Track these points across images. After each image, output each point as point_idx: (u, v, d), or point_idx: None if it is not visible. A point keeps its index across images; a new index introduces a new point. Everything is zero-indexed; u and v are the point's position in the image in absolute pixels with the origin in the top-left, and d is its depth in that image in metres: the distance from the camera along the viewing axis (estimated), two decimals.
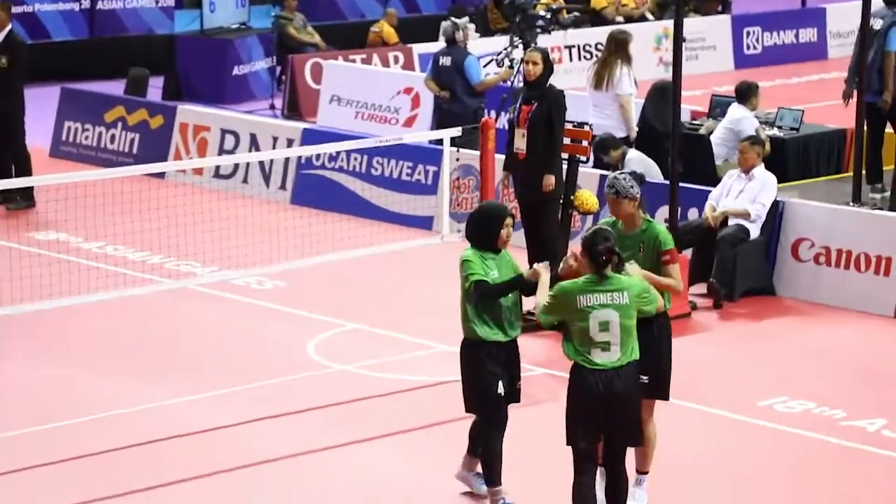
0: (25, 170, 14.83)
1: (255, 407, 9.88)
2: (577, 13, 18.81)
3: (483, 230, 8.10)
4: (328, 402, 10.01)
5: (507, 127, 12.18)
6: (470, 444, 8.45)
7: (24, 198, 14.94)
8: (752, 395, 10.39)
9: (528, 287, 8.02)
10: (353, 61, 19.80)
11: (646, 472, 8.33)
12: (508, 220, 8.10)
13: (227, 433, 9.49)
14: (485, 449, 8.25)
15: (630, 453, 8.10)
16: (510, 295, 8.10)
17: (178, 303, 11.93)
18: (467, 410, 8.31)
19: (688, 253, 12.42)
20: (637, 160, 13.94)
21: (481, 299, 7.98)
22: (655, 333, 7.98)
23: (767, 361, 11.29)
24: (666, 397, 8.25)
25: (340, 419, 9.75)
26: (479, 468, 8.41)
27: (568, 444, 7.66)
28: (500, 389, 8.07)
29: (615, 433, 7.60)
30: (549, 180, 11.59)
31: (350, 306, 12.08)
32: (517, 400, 8.28)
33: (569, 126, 11.95)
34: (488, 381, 8.06)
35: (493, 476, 8.21)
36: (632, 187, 8.06)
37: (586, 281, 7.53)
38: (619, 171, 8.19)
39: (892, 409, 10.17)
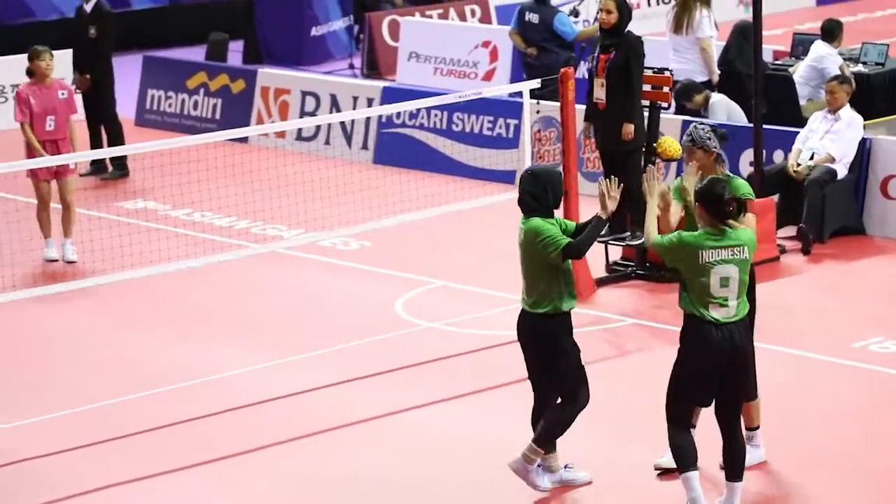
0: (118, 139, 14.94)
1: (348, 368, 9.90)
2: None
3: (549, 195, 7.78)
4: (418, 361, 10.01)
5: (586, 77, 12.09)
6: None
7: (118, 167, 15.04)
8: (846, 336, 10.24)
9: (605, 224, 7.77)
10: (430, 17, 19.71)
11: (756, 427, 8.15)
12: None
13: (319, 395, 9.52)
14: (563, 419, 7.79)
15: None
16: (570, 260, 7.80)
17: (266, 267, 11.98)
18: (555, 390, 7.81)
19: (775, 197, 12.27)
20: (721, 104, 13.76)
21: (575, 258, 7.72)
22: None
23: (860, 302, 11.12)
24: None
25: (430, 377, 9.75)
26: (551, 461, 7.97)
27: (679, 399, 7.45)
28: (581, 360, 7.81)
29: (733, 389, 7.43)
30: (629, 129, 11.46)
31: (436, 263, 12.07)
32: None
33: (649, 72, 11.83)
34: (577, 353, 7.81)
35: (551, 442, 7.88)
36: (709, 139, 7.92)
37: (706, 234, 7.34)
38: (702, 123, 7.97)
39: None
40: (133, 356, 10.34)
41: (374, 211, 12.63)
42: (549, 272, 7.76)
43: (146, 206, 13.98)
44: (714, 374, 7.35)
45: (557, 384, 7.85)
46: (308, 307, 11.28)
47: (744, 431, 8.00)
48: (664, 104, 11.98)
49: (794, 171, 12.32)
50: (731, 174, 8.05)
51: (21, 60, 17.41)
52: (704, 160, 7.95)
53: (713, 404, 7.55)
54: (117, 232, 12.40)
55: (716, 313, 7.29)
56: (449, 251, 12.49)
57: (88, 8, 15.01)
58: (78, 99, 15.13)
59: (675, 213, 7.86)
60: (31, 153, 12.30)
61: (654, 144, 11.55)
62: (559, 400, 7.90)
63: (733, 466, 7.54)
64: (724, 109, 13.70)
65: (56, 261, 12.31)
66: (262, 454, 8.66)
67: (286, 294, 11.59)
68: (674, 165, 13.32)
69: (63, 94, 12.52)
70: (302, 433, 8.92)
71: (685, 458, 7.45)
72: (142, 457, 8.69)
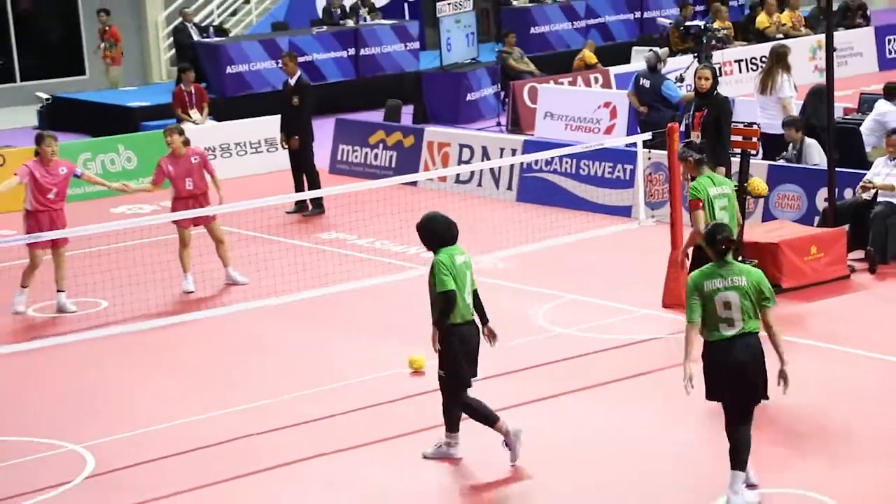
0: (316, 184, 15.15)
1: (496, 366, 9.89)
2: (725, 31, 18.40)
3: (448, 231, 8.50)
4: (556, 359, 10.05)
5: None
6: None
7: (316, 206, 15.30)
8: None
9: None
10: (562, 83, 19.74)
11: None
12: None
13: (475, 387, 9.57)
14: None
15: None
16: None
17: None
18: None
19: (845, 227, 12.07)
20: (814, 146, 13.67)
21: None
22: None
23: None
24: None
25: (566, 373, 9.77)
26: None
27: (716, 400, 7.43)
28: None
29: (741, 395, 7.31)
30: (719, 172, 11.42)
31: (568, 281, 12.08)
32: None
33: (739, 125, 11.78)
34: None
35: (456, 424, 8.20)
36: (683, 153, 9.53)
37: (710, 268, 7.34)
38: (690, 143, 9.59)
39: None
40: (326, 355, 10.48)
41: (517, 239, 12.71)
42: None
43: (338, 237, 14.20)
44: (717, 380, 7.28)
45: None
46: None
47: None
48: (753, 151, 11.87)
49: (865, 186, 12.06)
50: (705, 175, 9.31)
51: (242, 124, 18.01)
52: (686, 167, 9.50)
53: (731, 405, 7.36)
54: (316, 258, 12.68)
55: (725, 331, 7.24)
56: (578, 271, 12.49)
57: (293, 82, 15.32)
58: (285, 154, 15.53)
59: None
60: (174, 205, 12.03)
61: (745, 184, 11.46)
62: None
63: (737, 457, 7.29)
64: (817, 151, 13.57)
65: (192, 292, 12.02)
66: (412, 437, 8.69)
67: None
68: (761, 200, 13.17)
69: (195, 159, 12.12)
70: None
71: (732, 453, 7.31)
72: (317, 443, 8.79)
